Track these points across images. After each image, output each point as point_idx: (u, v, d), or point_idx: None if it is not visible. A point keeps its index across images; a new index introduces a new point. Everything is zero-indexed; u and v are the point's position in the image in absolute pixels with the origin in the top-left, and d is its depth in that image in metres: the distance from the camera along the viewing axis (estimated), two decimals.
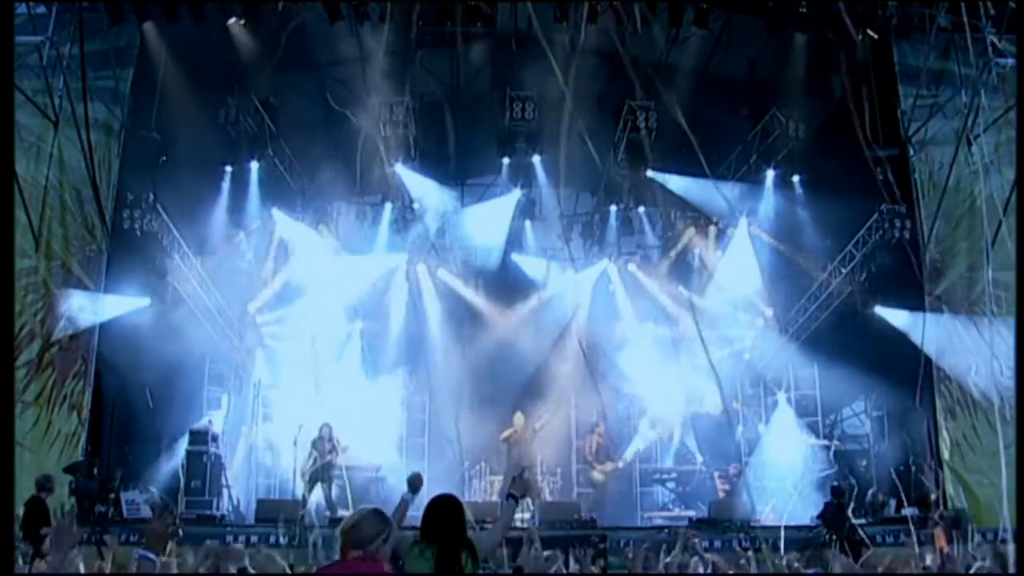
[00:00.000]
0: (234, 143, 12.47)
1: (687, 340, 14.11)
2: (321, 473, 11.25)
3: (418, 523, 3.72)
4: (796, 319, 13.83)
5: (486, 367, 13.78)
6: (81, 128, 10.13)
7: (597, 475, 12.14)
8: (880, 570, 4.86)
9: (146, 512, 9.56)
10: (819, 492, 11.30)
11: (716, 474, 12.49)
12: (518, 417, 12.21)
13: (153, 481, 11.13)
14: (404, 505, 4.33)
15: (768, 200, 13.53)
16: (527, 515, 10.37)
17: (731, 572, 5.61)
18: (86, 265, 10.58)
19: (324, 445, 11.45)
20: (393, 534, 3.13)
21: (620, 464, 12.34)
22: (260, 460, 13.20)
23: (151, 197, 10.88)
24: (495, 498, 12.17)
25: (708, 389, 13.60)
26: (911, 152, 11.14)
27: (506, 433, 12.11)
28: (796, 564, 6.67)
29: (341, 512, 10.56)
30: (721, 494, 12.08)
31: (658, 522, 11.73)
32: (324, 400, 13.01)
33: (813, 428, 13.34)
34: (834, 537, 8.91)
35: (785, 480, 12.28)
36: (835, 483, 10.59)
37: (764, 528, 9.99)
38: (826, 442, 12.94)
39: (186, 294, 11.90)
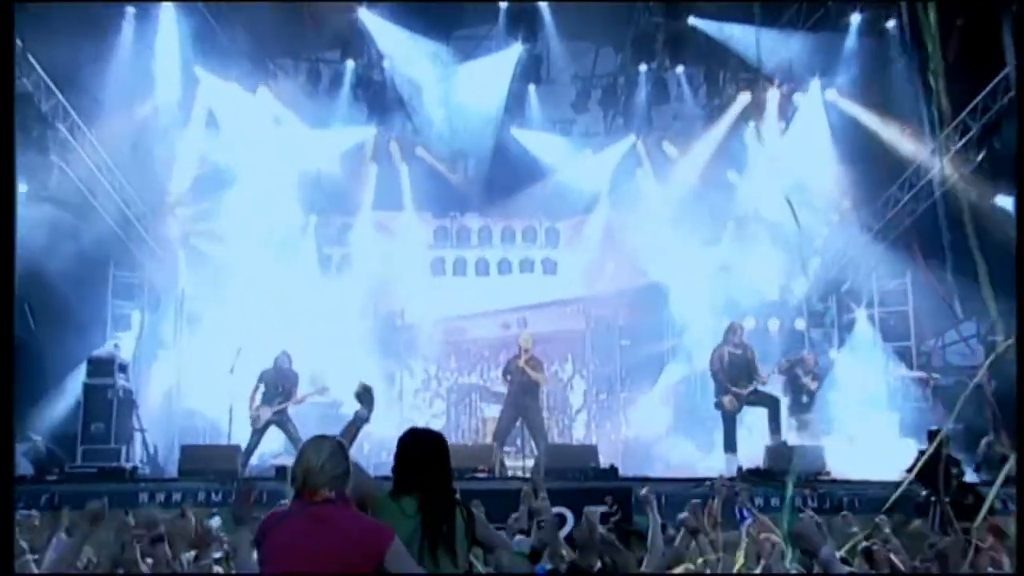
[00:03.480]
0: None
1: (736, 240, 14.23)
2: (279, 420, 10.97)
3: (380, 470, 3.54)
4: (883, 213, 13.53)
5: (477, 270, 14.05)
6: None
7: (729, 401, 11.06)
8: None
9: (26, 468, 9.19)
10: (912, 437, 10.95)
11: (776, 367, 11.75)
12: (524, 337, 11.80)
13: (37, 427, 10.82)
14: (356, 426, 3.91)
15: (851, 54, 12.93)
16: (530, 462, 10.47)
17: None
18: None
19: (283, 382, 11.07)
20: (352, 477, 3.10)
21: (764, 380, 11.17)
22: (184, 396, 12.98)
23: (19, 44, 10.00)
24: (488, 439, 11.94)
25: (761, 301, 13.64)
26: None
27: (515, 362, 11.47)
28: (886, 531, 6.34)
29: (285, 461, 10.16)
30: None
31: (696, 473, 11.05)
32: (270, 316, 12.89)
33: (903, 356, 13.12)
34: (933, 498, 8.28)
35: (865, 422, 12.09)
36: (934, 427, 9.96)
37: (837, 483, 9.64)
38: (921, 374, 12.72)
39: (78, 178, 11.55)
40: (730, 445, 10.86)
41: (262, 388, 11.02)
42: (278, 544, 3.08)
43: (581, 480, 9.45)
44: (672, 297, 14.61)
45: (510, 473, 10.63)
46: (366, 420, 3.96)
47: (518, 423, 11.52)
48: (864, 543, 5.89)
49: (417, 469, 3.64)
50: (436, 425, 12.24)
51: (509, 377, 11.43)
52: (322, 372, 11.75)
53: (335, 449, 3.18)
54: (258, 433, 10.87)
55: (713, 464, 10.94)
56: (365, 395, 4.07)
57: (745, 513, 6.23)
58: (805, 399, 11.60)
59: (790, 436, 11.07)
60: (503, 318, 15.58)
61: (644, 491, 5.33)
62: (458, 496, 3.73)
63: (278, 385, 11.04)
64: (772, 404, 11.02)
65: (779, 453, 10.38)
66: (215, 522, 6.38)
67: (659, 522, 5.18)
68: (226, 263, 13.58)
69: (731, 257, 14.21)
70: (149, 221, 13.26)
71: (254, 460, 10.77)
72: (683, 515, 5.34)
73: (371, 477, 3.82)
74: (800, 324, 14.00)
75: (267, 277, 13.49)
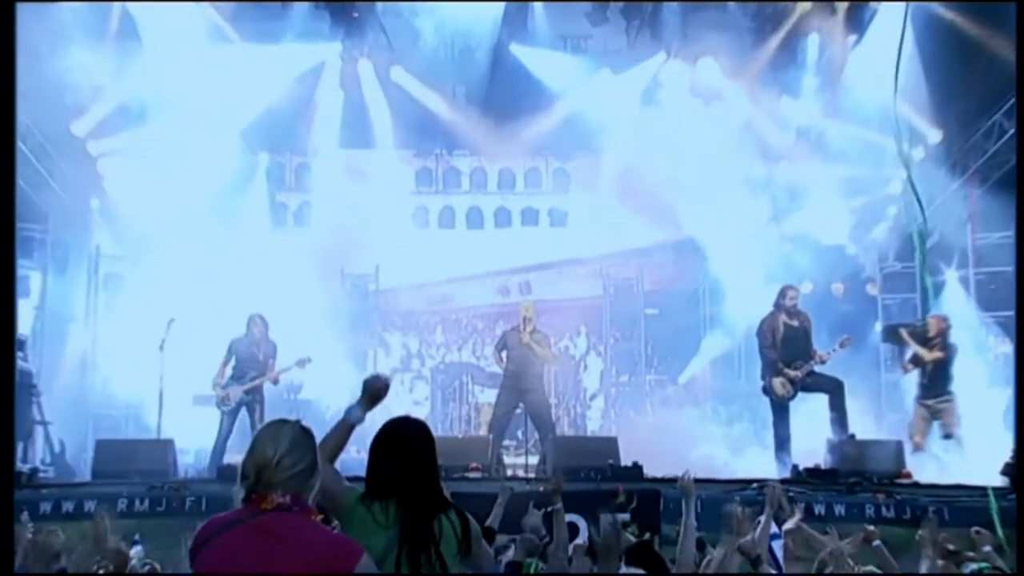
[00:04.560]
0: None
1: (792, 184, 14.12)
2: (251, 400, 11.13)
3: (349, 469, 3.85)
4: (983, 147, 13.41)
5: (469, 221, 14.32)
6: None
7: (780, 385, 11.06)
8: None
9: None
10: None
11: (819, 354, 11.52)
12: (527, 305, 11.82)
13: None
14: (344, 431, 3.89)
15: None
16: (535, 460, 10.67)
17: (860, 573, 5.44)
18: None
19: (259, 354, 11.12)
20: (319, 475, 3.15)
21: (824, 358, 11.06)
22: (101, 379, 12.81)
23: None
24: (483, 431, 12.21)
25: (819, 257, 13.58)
26: None
27: (516, 336, 11.52)
28: (985, 548, 6.07)
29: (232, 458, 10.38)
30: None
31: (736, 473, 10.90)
32: (209, 280, 12.84)
33: (1007, 328, 12.64)
34: None
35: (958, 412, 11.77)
36: None
37: (921, 487, 9.38)
38: None
39: None
40: (782, 439, 10.78)
41: (233, 362, 11.07)
42: (214, 563, 3.02)
43: (597, 481, 9.36)
44: (710, 255, 14.46)
45: (509, 472, 10.63)
46: (360, 421, 3.88)
47: (519, 411, 11.58)
48: (972, 567, 5.66)
49: (395, 468, 3.66)
50: (419, 413, 12.24)
51: (508, 354, 11.44)
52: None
53: (298, 437, 3.13)
54: (229, 418, 10.98)
55: (760, 462, 10.91)
56: (375, 387, 3.95)
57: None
58: (929, 381, 11.19)
59: (862, 427, 10.88)
60: (501, 281, 15.73)
61: (685, 476, 5.35)
62: (448, 499, 3.75)
63: (253, 357, 11.09)
64: (835, 389, 10.84)
65: (846, 449, 10.23)
66: (136, 552, 6.10)
67: (694, 523, 5.22)
68: (153, 214, 13.48)
69: (785, 205, 14.16)
70: (52, 159, 13.04)
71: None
72: (744, 540, 5.27)
73: (339, 476, 3.76)
74: (872, 289, 13.89)
75: (205, 231, 13.36)
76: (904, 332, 11.63)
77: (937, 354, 11.15)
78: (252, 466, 3.06)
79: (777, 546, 5.92)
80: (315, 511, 3.14)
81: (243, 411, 11.07)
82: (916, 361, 11.18)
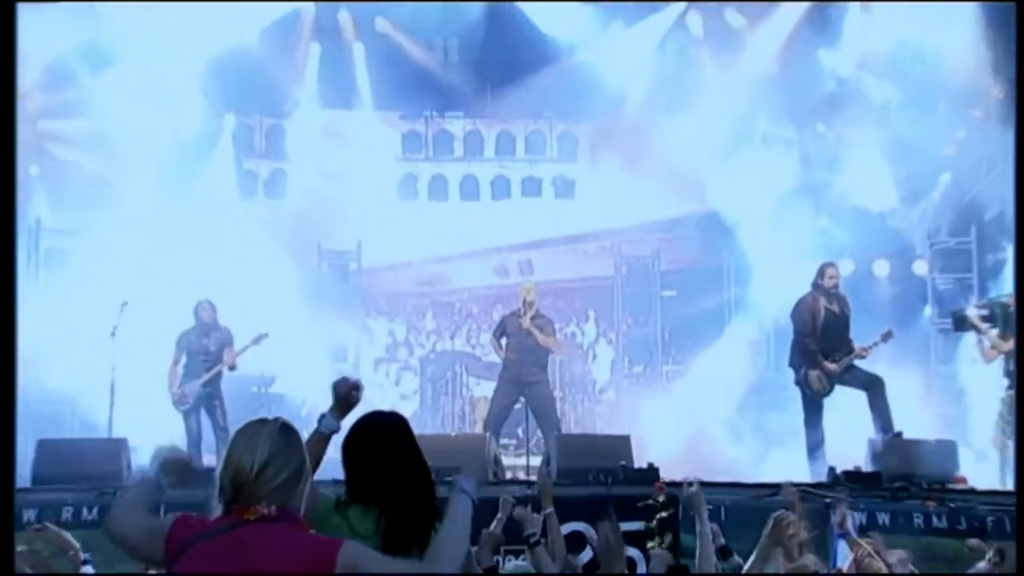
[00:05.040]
0: None
1: (828, 147, 14.05)
2: (209, 394, 11.25)
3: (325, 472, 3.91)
4: None
5: (463, 191, 14.43)
6: None
7: (817, 379, 10.99)
8: None
9: None
10: None
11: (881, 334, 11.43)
12: (528, 287, 11.85)
13: None
14: (319, 443, 3.95)
15: None
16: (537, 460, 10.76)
17: None
18: None
19: (211, 343, 11.25)
20: (308, 478, 3.15)
21: (865, 352, 11.01)
22: (42, 371, 12.23)
23: None
24: (478, 428, 12.34)
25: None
26: None
27: (516, 322, 11.60)
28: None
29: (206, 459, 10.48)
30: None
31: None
32: (168, 257, 12.81)
33: None
34: None
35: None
36: None
37: (977, 494, 9.26)
38: None
39: None
40: (816, 438, 10.75)
41: (184, 359, 11.18)
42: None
43: (607, 484, 9.25)
44: (736, 229, 14.33)
45: (509, 475, 10.62)
46: (335, 430, 3.95)
47: (519, 406, 11.58)
48: None
49: (376, 470, 3.65)
50: (407, 409, 12.38)
51: (507, 342, 11.50)
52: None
53: (279, 441, 3.08)
54: (194, 416, 11.10)
55: (792, 464, 10.74)
56: (343, 392, 4.02)
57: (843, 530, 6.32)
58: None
59: (910, 426, 10.73)
60: (499, 260, 15.82)
61: (692, 487, 5.44)
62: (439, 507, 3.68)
63: (203, 349, 11.20)
64: (874, 386, 10.78)
65: (891, 450, 10.14)
66: (87, 570, 6.12)
67: (709, 532, 5.33)
68: (102, 182, 13.46)
69: (820, 172, 13.91)
70: None
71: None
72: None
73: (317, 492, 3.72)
74: (921, 267, 13.80)
75: (162, 202, 13.26)
76: (974, 316, 11.33)
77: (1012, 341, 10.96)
78: (229, 480, 3.04)
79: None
80: (305, 523, 3.13)
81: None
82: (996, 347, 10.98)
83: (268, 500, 3.03)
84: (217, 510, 3.09)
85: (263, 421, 3.16)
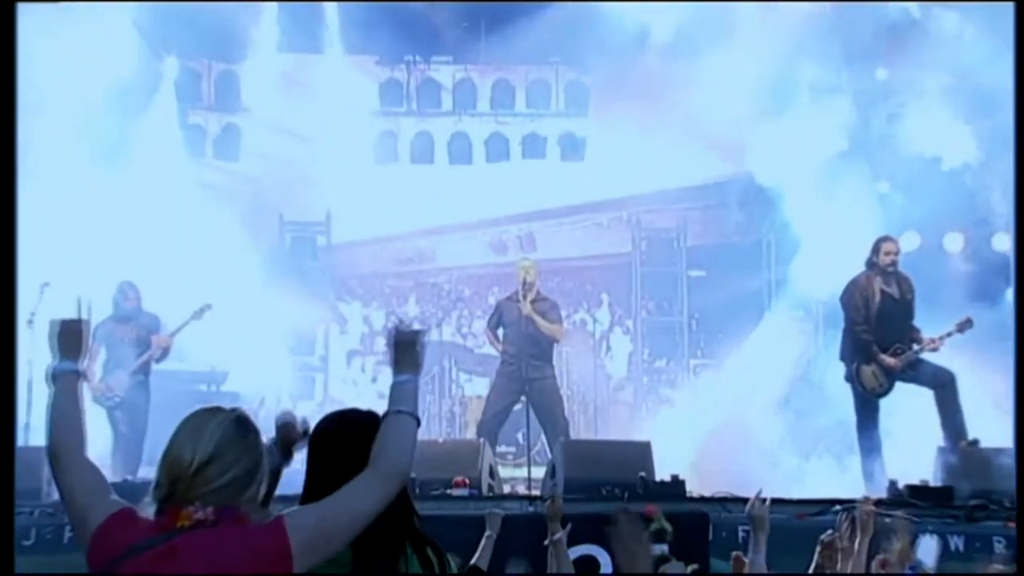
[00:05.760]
0: None
1: (889, 94, 14.14)
2: (139, 386, 11.40)
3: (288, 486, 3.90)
4: None
5: (452, 152, 14.49)
6: None
7: (872, 375, 10.95)
8: None
9: None
10: None
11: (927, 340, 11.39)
12: (529, 265, 11.92)
13: None
14: (269, 474, 3.87)
15: None
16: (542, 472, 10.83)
17: None
18: None
19: (132, 332, 11.41)
20: (262, 483, 3.23)
21: (935, 344, 11.03)
22: None
23: None
24: (470, 433, 12.53)
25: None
26: None
27: (515, 307, 11.67)
28: None
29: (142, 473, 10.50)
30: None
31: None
32: (97, 229, 12.66)
33: None
34: None
35: None
36: None
37: None
38: None
39: None
40: (872, 445, 10.75)
41: (103, 352, 11.20)
42: None
43: (623, 500, 9.24)
44: (778, 197, 14.17)
45: (507, 488, 10.67)
46: (283, 464, 3.88)
47: (519, 407, 11.65)
48: None
49: (346, 475, 3.50)
50: (385, 408, 12.67)
51: (504, 332, 11.64)
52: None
53: (229, 435, 3.10)
54: (125, 414, 11.22)
55: (843, 477, 11.01)
56: (286, 429, 3.91)
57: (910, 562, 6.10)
58: None
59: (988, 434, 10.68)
60: (495, 234, 15.90)
61: (759, 503, 5.32)
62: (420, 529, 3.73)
63: (124, 340, 11.28)
64: (944, 383, 10.71)
65: (965, 461, 10.15)
66: None
67: (764, 563, 5.30)
68: (15, 137, 13.14)
69: (879, 127, 13.96)
70: None
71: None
72: None
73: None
74: (1002, 242, 13.58)
75: (88, 164, 12.97)
76: None
77: None
78: (165, 474, 3.05)
79: None
80: (246, 518, 3.10)
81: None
82: None
83: (206, 501, 3.02)
84: (149, 509, 3.07)
85: (215, 410, 3.16)
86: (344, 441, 3.70)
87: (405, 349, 3.69)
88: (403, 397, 3.54)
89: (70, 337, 3.68)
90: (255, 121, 14.85)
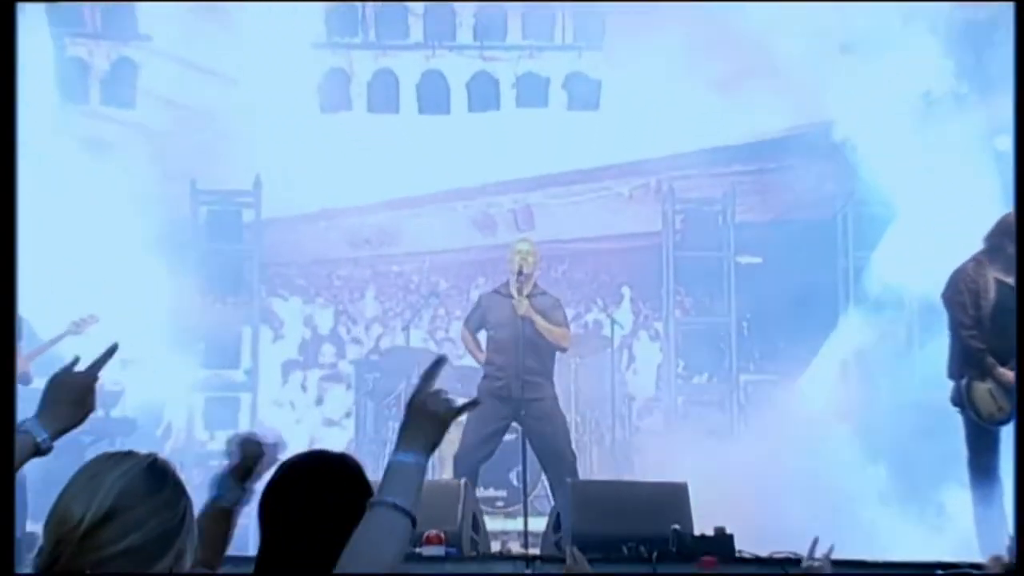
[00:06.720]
0: None
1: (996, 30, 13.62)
2: None
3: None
4: None
5: (422, 98, 14.77)
6: None
7: (988, 395, 10.86)
8: None
9: None
10: None
11: None
12: (525, 248, 11.93)
13: None
14: (217, 520, 4.19)
15: None
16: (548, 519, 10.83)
17: None
18: None
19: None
20: (184, 554, 3.19)
21: None
22: None
23: None
24: (447, 472, 12.37)
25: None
26: None
27: (507, 301, 11.72)
28: None
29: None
30: None
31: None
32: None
33: None
34: None
35: None
36: None
37: None
38: None
39: None
40: (989, 491, 10.29)
41: None
42: None
43: (651, 561, 9.00)
44: (859, 158, 13.97)
45: (496, 546, 10.69)
46: (239, 501, 4.21)
47: (511, 436, 11.79)
48: None
49: (312, 538, 3.71)
50: (335, 440, 13.64)
51: (490, 336, 11.70)
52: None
53: (137, 487, 2.97)
54: None
55: (951, 534, 10.84)
56: (248, 451, 4.24)
57: None
58: None
59: None
60: (480, 206, 16.19)
61: (821, 560, 5.42)
62: None
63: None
64: None
65: None
66: None
67: None
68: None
69: (995, 65, 13.19)
70: None
71: None
72: None
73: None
74: None
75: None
76: None
77: None
78: (50, 533, 2.99)
79: None
80: None
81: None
82: None
83: (98, 572, 2.92)
84: None
85: (123, 455, 3.07)
86: (309, 498, 3.73)
87: (423, 416, 3.57)
88: (400, 484, 3.49)
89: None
90: (157, 54, 14.37)
